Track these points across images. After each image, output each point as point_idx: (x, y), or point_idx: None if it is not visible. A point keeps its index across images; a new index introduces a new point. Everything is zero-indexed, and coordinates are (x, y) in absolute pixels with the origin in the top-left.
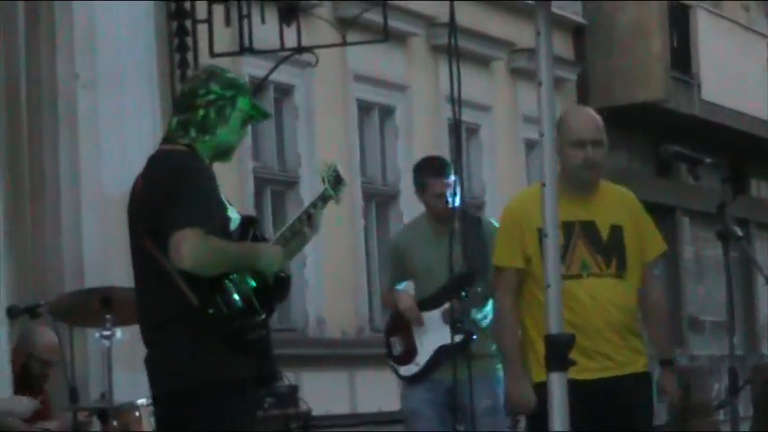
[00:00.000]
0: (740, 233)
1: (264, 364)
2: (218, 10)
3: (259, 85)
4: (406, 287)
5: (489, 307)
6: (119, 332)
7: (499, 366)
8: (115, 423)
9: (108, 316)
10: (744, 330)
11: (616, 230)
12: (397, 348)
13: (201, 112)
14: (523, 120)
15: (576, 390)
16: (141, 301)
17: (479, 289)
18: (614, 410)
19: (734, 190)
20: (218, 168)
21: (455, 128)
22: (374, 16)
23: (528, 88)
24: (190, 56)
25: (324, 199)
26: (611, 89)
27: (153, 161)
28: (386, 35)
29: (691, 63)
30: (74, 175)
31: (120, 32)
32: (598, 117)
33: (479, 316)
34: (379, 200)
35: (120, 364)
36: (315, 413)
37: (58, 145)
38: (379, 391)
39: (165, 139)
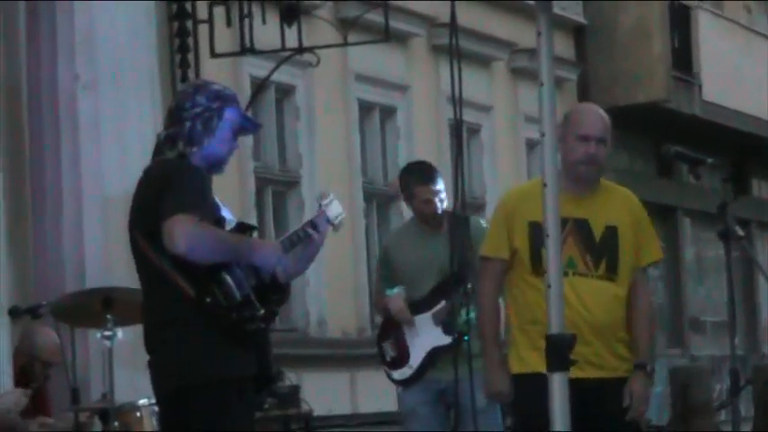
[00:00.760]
0: (741, 233)
1: (263, 364)
2: (219, 10)
3: (260, 86)
4: (397, 292)
5: None
6: (120, 332)
7: None
8: (116, 423)
9: (109, 316)
10: (745, 331)
11: (610, 231)
12: (390, 353)
13: (188, 124)
14: (524, 120)
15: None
16: (144, 304)
17: (470, 288)
18: (591, 413)
19: (735, 190)
20: None
21: (456, 128)
22: (375, 17)
23: (529, 88)
24: (191, 56)
25: (324, 224)
26: (612, 89)
27: (149, 171)
28: (387, 35)
29: (692, 63)
30: (75, 176)
31: (120, 34)
32: (606, 116)
33: (473, 315)
34: (380, 200)
35: (121, 364)
36: (316, 413)
37: (59, 146)
38: (380, 392)
39: (155, 152)
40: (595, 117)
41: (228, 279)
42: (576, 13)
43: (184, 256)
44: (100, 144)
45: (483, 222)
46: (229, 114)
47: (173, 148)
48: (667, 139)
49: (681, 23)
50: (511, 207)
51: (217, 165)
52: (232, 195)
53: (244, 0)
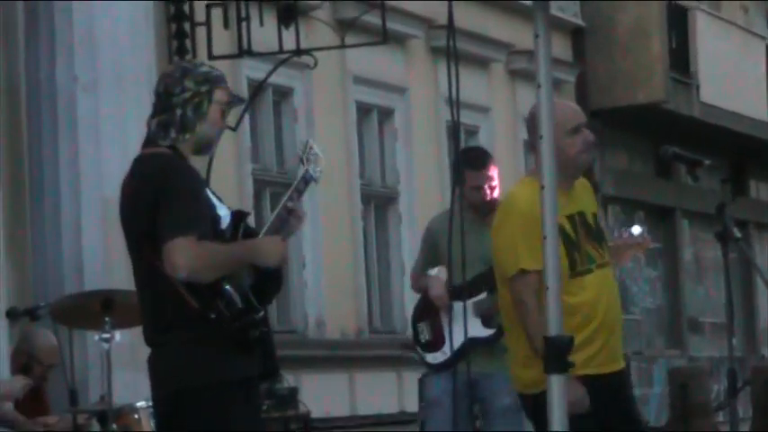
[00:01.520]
0: (739, 235)
1: (267, 360)
2: (217, 12)
3: (258, 88)
4: (438, 272)
5: None
6: (118, 335)
7: None
8: (114, 425)
9: (107, 318)
10: (743, 332)
11: (595, 217)
12: (425, 335)
13: (179, 111)
14: (522, 121)
15: (597, 383)
16: (144, 303)
17: None
18: (619, 405)
19: (733, 191)
20: (218, 171)
21: (454, 130)
22: (373, 18)
23: (527, 90)
24: (189, 58)
25: (306, 181)
26: (610, 90)
27: (138, 165)
28: (385, 37)
29: (689, 64)
30: (74, 178)
31: (119, 35)
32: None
33: None
34: (379, 202)
35: (119, 366)
36: (314, 415)
37: (57, 147)
38: (378, 393)
39: (147, 142)
40: (571, 107)
41: (229, 288)
42: (573, 15)
43: (187, 280)
44: (99, 145)
45: None
46: (218, 95)
47: (165, 138)
48: (666, 140)
49: (678, 24)
50: (533, 215)
51: (207, 147)
52: (230, 197)
53: (241, 2)
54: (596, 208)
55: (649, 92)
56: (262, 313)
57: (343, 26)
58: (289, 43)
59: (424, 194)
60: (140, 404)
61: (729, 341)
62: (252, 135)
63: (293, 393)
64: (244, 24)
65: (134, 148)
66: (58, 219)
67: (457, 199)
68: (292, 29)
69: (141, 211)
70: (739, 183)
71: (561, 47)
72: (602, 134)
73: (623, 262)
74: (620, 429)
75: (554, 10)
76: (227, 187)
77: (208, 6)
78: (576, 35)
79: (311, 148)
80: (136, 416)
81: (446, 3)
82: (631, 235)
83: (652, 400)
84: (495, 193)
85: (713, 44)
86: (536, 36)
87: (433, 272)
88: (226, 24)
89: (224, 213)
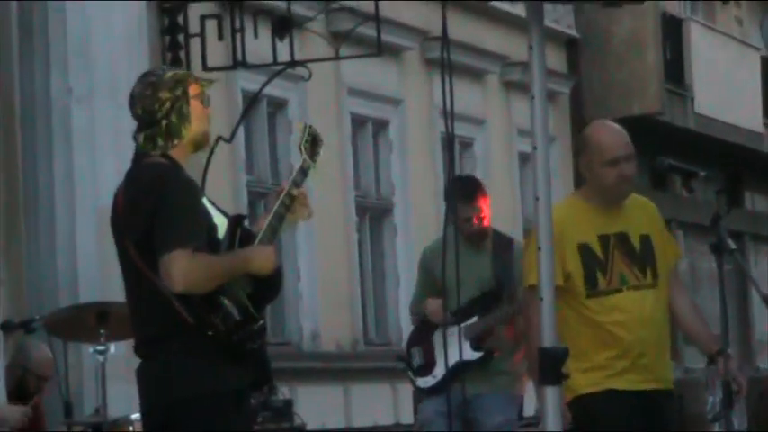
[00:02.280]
0: (734, 246)
1: (261, 369)
2: (212, 24)
3: (252, 100)
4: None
5: None
6: (113, 347)
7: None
8: None
9: (102, 331)
10: (738, 343)
11: (646, 240)
12: (417, 360)
13: (164, 122)
14: (517, 133)
15: (619, 400)
16: (135, 314)
17: (506, 308)
18: (647, 425)
19: (728, 203)
20: (212, 182)
21: (448, 142)
22: (367, 30)
23: (522, 101)
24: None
25: (304, 172)
26: (605, 102)
27: (132, 175)
28: (379, 49)
29: (684, 76)
30: (69, 189)
31: (113, 47)
32: (623, 131)
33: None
34: (373, 214)
35: (114, 378)
36: (309, 427)
37: (52, 159)
38: (373, 405)
39: (136, 156)
40: (617, 136)
41: (225, 301)
42: (568, 26)
43: (183, 293)
44: (93, 157)
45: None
46: (192, 90)
47: (154, 148)
48: (661, 151)
49: (673, 36)
50: (558, 230)
51: (203, 141)
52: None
53: (236, 14)
54: (652, 230)
55: (644, 103)
56: (261, 322)
57: (338, 38)
58: (283, 55)
59: (418, 206)
60: (135, 416)
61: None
62: (246, 147)
63: (288, 405)
64: (238, 36)
65: (129, 159)
66: (53, 231)
67: (450, 227)
68: (287, 41)
69: (136, 223)
70: (735, 194)
71: (556, 58)
72: None
73: None
74: None
75: (548, 22)
76: (222, 198)
77: (202, 18)
78: (571, 47)
79: (309, 131)
80: (131, 428)
81: (440, 15)
82: None
83: None
84: (485, 223)
85: (708, 56)
86: (530, 48)
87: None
88: (220, 36)
89: (220, 222)
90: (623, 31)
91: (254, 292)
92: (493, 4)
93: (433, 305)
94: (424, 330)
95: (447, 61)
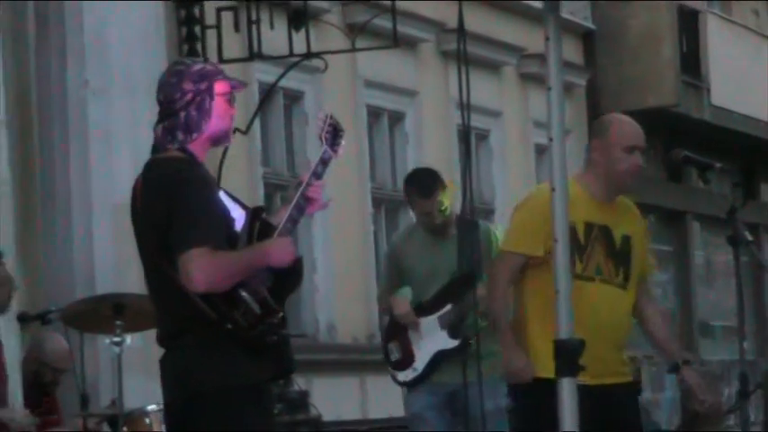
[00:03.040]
0: (750, 238)
1: (283, 360)
2: (227, 16)
3: (268, 91)
4: (403, 293)
5: None
6: (129, 339)
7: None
8: (125, 429)
9: (118, 322)
10: (754, 335)
11: (626, 241)
12: (395, 354)
13: (183, 113)
14: (534, 125)
15: (587, 393)
16: (157, 306)
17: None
18: (604, 419)
19: (744, 195)
20: (228, 175)
21: (464, 134)
22: (383, 22)
23: (538, 93)
24: (181, 58)
25: (324, 163)
26: (621, 94)
27: (149, 171)
28: (395, 41)
29: (700, 68)
30: (85, 182)
31: (129, 39)
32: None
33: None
34: (389, 205)
35: (130, 370)
36: (325, 419)
37: (68, 152)
38: (389, 397)
39: (155, 148)
40: (637, 128)
41: (245, 295)
42: (584, 18)
43: (204, 292)
44: (110, 150)
45: (494, 228)
46: (219, 88)
47: (173, 141)
48: (676, 143)
49: (689, 28)
50: (547, 206)
51: (224, 138)
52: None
53: (252, 5)
54: (635, 234)
55: (660, 95)
56: (281, 314)
57: (354, 30)
58: (299, 47)
59: None
60: (151, 408)
61: (740, 345)
62: (263, 139)
63: (304, 397)
64: (254, 27)
65: (145, 152)
66: (70, 223)
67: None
68: (303, 32)
69: (154, 221)
70: (750, 186)
71: (572, 50)
72: None
73: None
74: None
75: (565, 13)
76: (238, 190)
77: (218, 10)
78: (587, 39)
79: (330, 121)
80: (147, 420)
81: (456, 7)
82: None
83: (663, 405)
84: (447, 213)
85: (724, 47)
86: (547, 39)
87: (400, 293)
88: (236, 28)
89: (238, 215)
90: (640, 24)
91: (275, 284)
92: None
93: (401, 307)
94: (398, 324)
95: (463, 53)
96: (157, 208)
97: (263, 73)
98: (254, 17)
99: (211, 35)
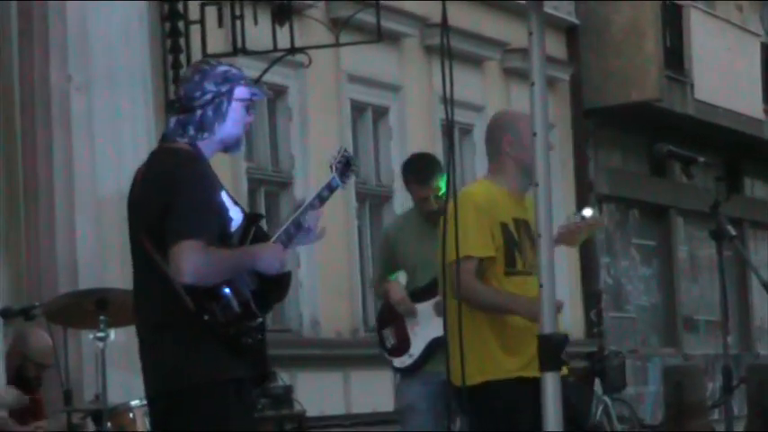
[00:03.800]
0: (734, 233)
1: (259, 364)
2: (211, 11)
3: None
4: (397, 280)
5: None
6: (113, 334)
7: None
8: (109, 424)
9: (102, 317)
10: (738, 330)
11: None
12: (390, 341)
13: (199, 111)
14: None
15: (524, 388)
16: (139, 299)
17: None
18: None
19: (728, 189)
20: (212, 168)
21: (448, 128)
22: (367, 17)
23: (522, 88)
24: (183, 57)
25: (331, 189)
26: (605, 89)
27: (154, 158)
28: (379, 36)
29: (684, 62)
30: (68, 177)
31: (113, 34)
32: None
33: None
34: (373, 200)
35: (114, 365)
36: (309, 414)
37: (51, 147)
38: (373, 392)
39: (164, 138)
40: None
41: (227, 292)
42: (568, 13)
43: (190, 284)
44: (93, 145)
45: None
46: (239, 93)
47: (183, 135)
48: (660, 137)
49: (673, 22)
50: (486, 206)
51: (235, 145)
52: None
53: (236, 0)
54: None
55: (644, 90)
56: (259, 320)
57: (338, 24)
58: (283, 42)
59: None
60: (135, 403)
61: (724, 339)
62: (246, 133)
63: (288, 392)
64: (238, 23)
65: (128, 147)
66: (52, 218)
67: (412, 209)
68: (287, 27)
69: (150, 207)
70: (734, 180)
71: (555, 45)
72: (596, 133)
73: (575, 243)
74: None
75: (548, 8)
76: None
77: (202, 5)
78: (571, 33)
79: (345, 154)
80: (131, 415)
81: (440, 1)
82: (583, 218)
83: (647, 399)
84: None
85: (708, 42)
86: (530, 34)
87: (394, 277)
88: (220, 23)
89: (236, 216)
90: (623, 18)
91: (259, 289)
92: None
93: (397, 294)
94: (392, 309)
95: (447, 48)
96: (155, 197)
97: (247, 68)
98: (237, 12)
99: (195, 30)
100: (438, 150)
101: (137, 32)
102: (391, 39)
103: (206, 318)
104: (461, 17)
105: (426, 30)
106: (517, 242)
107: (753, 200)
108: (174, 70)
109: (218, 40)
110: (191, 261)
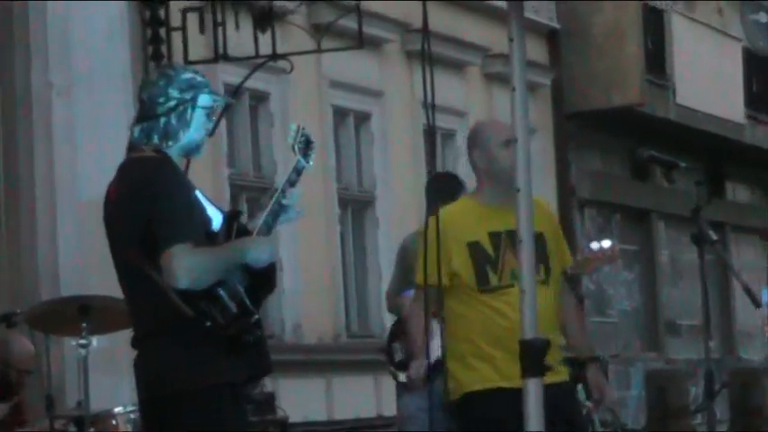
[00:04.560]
0: (715, 237)
1: (261, 360)
2: (193, 17)
3: (234, 93)
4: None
5: None
6: (95, 340)
7: None
8: (92, 431)
9: (84, 324)
10: (720, 334)
11: (538, 237)
12: (399, 355)
13: (163, 119)
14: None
15: (508, 398)
16: (133, 308)
17: None
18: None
19: (709, 193)
20: (194, 176)
21: (429, 134)
22: (349, 22)
23: (503, 93)
24: (169, 63)
25: (298, 172)
26: (586, 93)
27: (124, 170)
28: (360, 41)
29: (665, 66)
30: (49, 183)
31: (94, 40)
32: None
33: None
34: (356, 206)
35: (96, 371)
36: (292, 420)
37: (33, 153)
38: (356, 398)
39: (130, 148)
40: (504, 122)
41: (222, 293)
42: (549, 18)
43: (186, 287)
44: (74, 150)
45: None
46: (202, 101)
47: (148, 143)
48: (642, 142)
49: (654, 27)
50: (443, 230)
51: (195, 150)
52: None
53: (217, 6)
54: (546, 228)
55: (625, 94)
56: (256, 317)
57: (319, 30)
58: (265, 48)
59: (401, 198)
60: (118, 409)
61: (706, 343)
62: (228, 140)
63: (271, 398)
64: (219, 29)
65: (109, 153)
66: (34, 224)
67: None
68: (268, 33)
69: (131, 218)
70: (716, 185)
71: (537, 49)
72: (577, 137)
73: (589, 271)
74: None
75: (529, 12)
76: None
77: (183, 11)
78: (552, 38)
79: (302, 132)
80: (113, 421)
81: (421, 7)
82: (602, 248)
83: (630, 403)
84: None
85: (689, 46)
86: (510, 40)
87: (409, 293)
88: (201, 29)
89: (214, 215)
90: (604, 22)
91: (250, 286)
92: None
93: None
94: (404, 324)
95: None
96: (134, 205)
97: (229, 74)
98: (219, 18)
99: (176, 37)
100: (420, 156)
101: (118, 38)
102: (373, 44)
103: (207, 324)
104: (442, 22)
105: (407, 35)
106: (491, 258)
107: (734, 204)
108: None
109: (199, 47)
110: (183, 265)
